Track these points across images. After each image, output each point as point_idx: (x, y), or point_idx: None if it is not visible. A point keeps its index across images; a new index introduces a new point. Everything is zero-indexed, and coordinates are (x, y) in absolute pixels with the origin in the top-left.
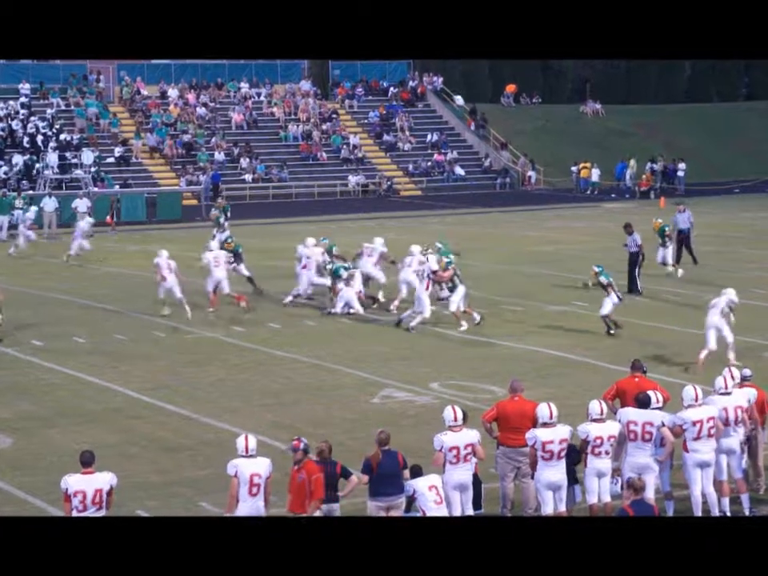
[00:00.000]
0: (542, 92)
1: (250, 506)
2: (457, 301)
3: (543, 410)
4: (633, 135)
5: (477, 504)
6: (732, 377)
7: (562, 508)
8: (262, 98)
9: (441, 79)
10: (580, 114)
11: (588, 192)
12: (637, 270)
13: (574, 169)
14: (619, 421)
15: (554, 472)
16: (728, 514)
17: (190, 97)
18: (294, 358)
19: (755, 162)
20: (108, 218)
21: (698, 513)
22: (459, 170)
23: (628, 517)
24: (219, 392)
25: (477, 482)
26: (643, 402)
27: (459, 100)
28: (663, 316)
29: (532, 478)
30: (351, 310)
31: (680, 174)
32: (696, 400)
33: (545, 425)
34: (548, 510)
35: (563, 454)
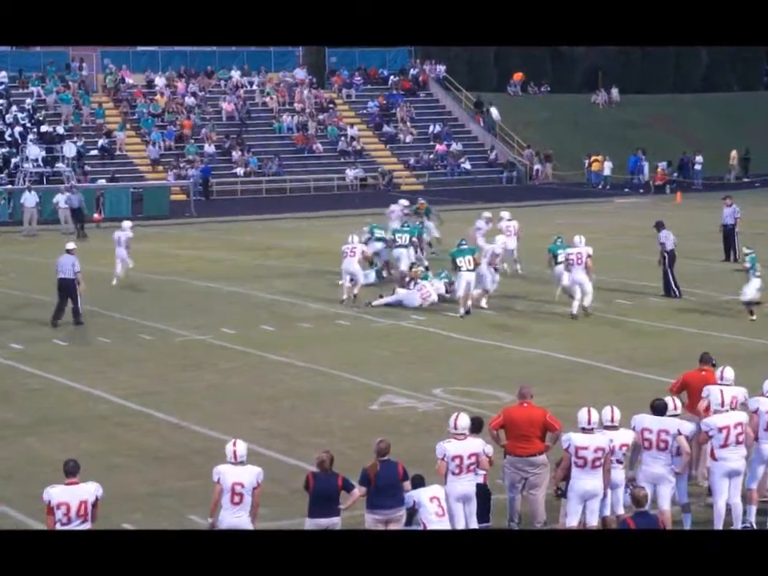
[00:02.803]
0: (550, 80)
1: (231, 515)
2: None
3: (582, 415)
4: (647, 126)
5: (484, 516)
6: None
7: (594, 522)
8: (254, 86)
9: (444, 67)
10: (591, 104)
11: (600, 186)
12: (671, 269)
13: (584, 162)
14: (634, 428)
15: (589, 480)
16: (754, 523)
17: (179, 86)
18: (289, 362)
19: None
20: (96, 214)
21: (720, 525)
22: (465, 164)
23: (630, 530)
24: (210, 398)
25: (485, 493)
26: (658, 409)
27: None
28: (680, 317)
29: (565, 489)
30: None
31: (697, 167)
32: (722, 405)
33: (583, 430)
34: (573, 522)
35: (599, 463)
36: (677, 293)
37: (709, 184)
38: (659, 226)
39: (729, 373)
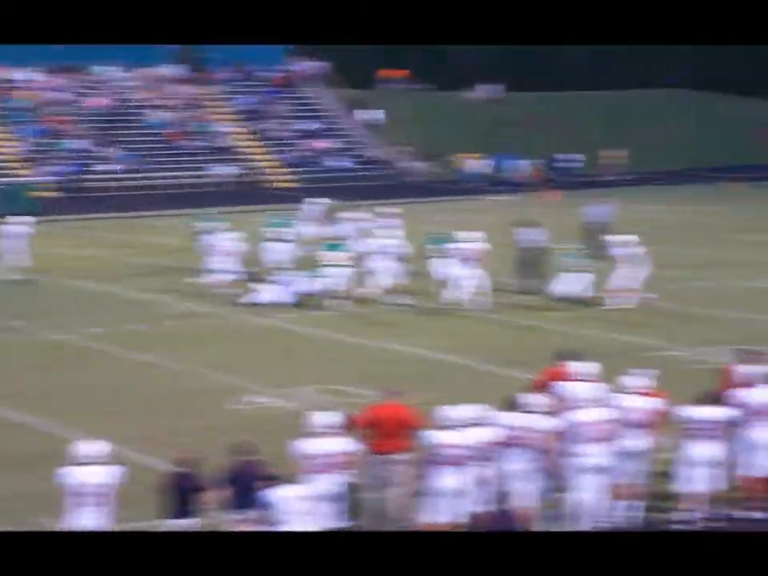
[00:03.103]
0: (426, 77)
1: (85, 517)
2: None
3: (447, 413)
4: (524, 124)
5: (348, 515)
6: (645, 378)
7: (457, 520)
8: (127, 82)
9: (320, 64)
10: (467, 101)
11: (474, 184)
12: (536, 267)
13: (459, 159)
14: (495, 425)
15: (453, 478)
16: (621, 519)
17: (52, 80)
18: (157, 361)
19: (649, 153)
20: None
21: (582, 521)
22: (339, 161)
23: (493, 531)
24: (72, 399)
25: (350, 491)
26: (519, 406)
27: (379, 113)
28: (548, 314)
29: (429, 487)
30: None
31: (572, 165)
32: (584, 402)
33: (448, 428)
34: (436, 520)
35: (463, 461)
36: (540, 290)
37: (585, 182)
38: (524, 224)
39: (588, 368)
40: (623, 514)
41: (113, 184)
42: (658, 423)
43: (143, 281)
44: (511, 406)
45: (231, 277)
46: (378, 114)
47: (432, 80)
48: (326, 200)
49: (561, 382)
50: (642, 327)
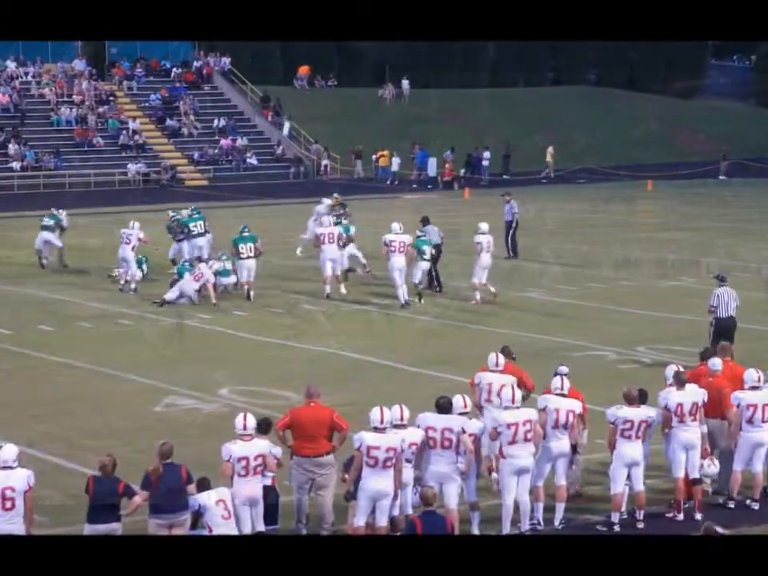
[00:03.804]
0: (337, 74)
1: (5, 522)
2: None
3: (374, 414)
4: (436, 121)
5: (272, 519)
6: (567, 379)
7: (383, 522)
8: (30, 77)
9: (228, 59)
10: (378, 98)
11: (388, 182)
12: (434, 264)
13: (373, 157)
14: (418, 426)
15: (380, 480)
16: (541, 520)
17: None
18: (69, 363)
19: (562, 150)
20: None
21: (508, 523)
22: (252, 159)
23: (419, 534)
24: None
25: (273, 494)
26: (443, 408)
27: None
28: (466, 314)
29: (354, 490)
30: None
31: (484, 163)
32: (513, 402)
33: (375, 429)
34: (361, 522)
35: (390, 463)
36: (438, 287)
37: (495, 180)
38: (425, 221)
39: (503, 359)
40: (547, 516)
41: (18, 182)
42: (580, 424)
43: (53, 280)
44: (436, 406)
45: (138, 275)
46: (286, 110)
47: (340, 77)
48: (328, 200)
49: (486, 380)
50: (568, 327)
